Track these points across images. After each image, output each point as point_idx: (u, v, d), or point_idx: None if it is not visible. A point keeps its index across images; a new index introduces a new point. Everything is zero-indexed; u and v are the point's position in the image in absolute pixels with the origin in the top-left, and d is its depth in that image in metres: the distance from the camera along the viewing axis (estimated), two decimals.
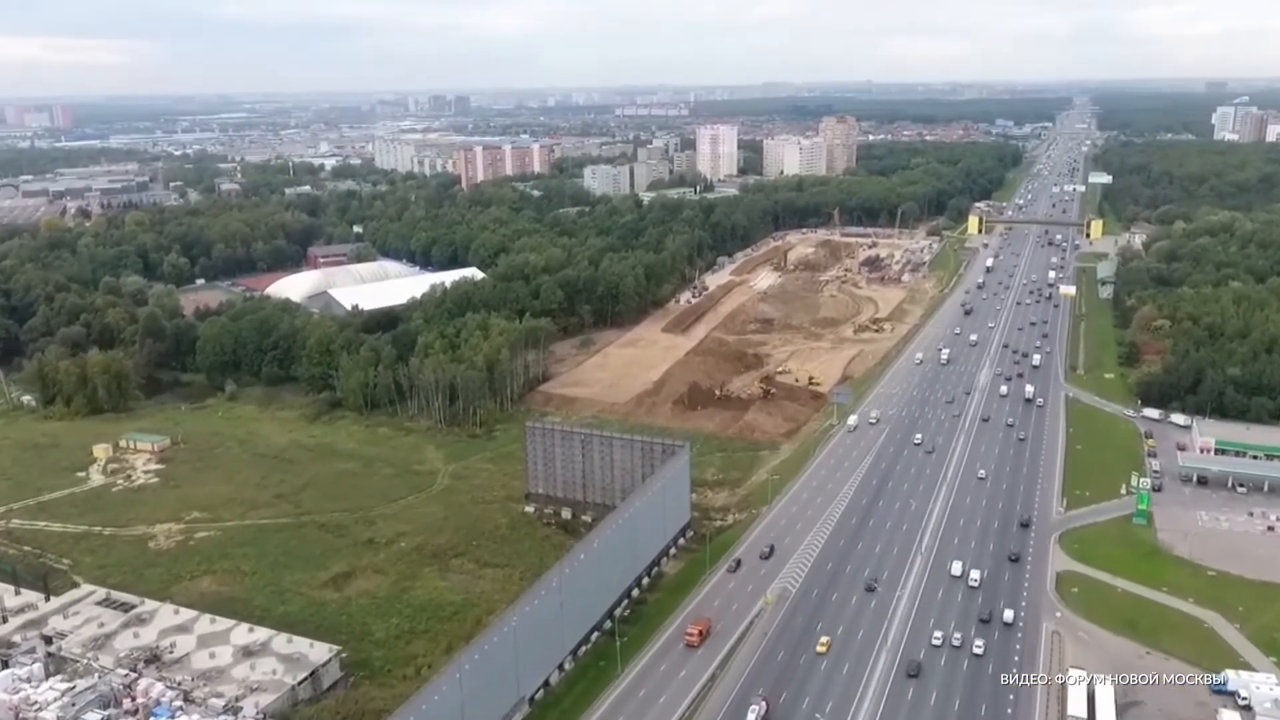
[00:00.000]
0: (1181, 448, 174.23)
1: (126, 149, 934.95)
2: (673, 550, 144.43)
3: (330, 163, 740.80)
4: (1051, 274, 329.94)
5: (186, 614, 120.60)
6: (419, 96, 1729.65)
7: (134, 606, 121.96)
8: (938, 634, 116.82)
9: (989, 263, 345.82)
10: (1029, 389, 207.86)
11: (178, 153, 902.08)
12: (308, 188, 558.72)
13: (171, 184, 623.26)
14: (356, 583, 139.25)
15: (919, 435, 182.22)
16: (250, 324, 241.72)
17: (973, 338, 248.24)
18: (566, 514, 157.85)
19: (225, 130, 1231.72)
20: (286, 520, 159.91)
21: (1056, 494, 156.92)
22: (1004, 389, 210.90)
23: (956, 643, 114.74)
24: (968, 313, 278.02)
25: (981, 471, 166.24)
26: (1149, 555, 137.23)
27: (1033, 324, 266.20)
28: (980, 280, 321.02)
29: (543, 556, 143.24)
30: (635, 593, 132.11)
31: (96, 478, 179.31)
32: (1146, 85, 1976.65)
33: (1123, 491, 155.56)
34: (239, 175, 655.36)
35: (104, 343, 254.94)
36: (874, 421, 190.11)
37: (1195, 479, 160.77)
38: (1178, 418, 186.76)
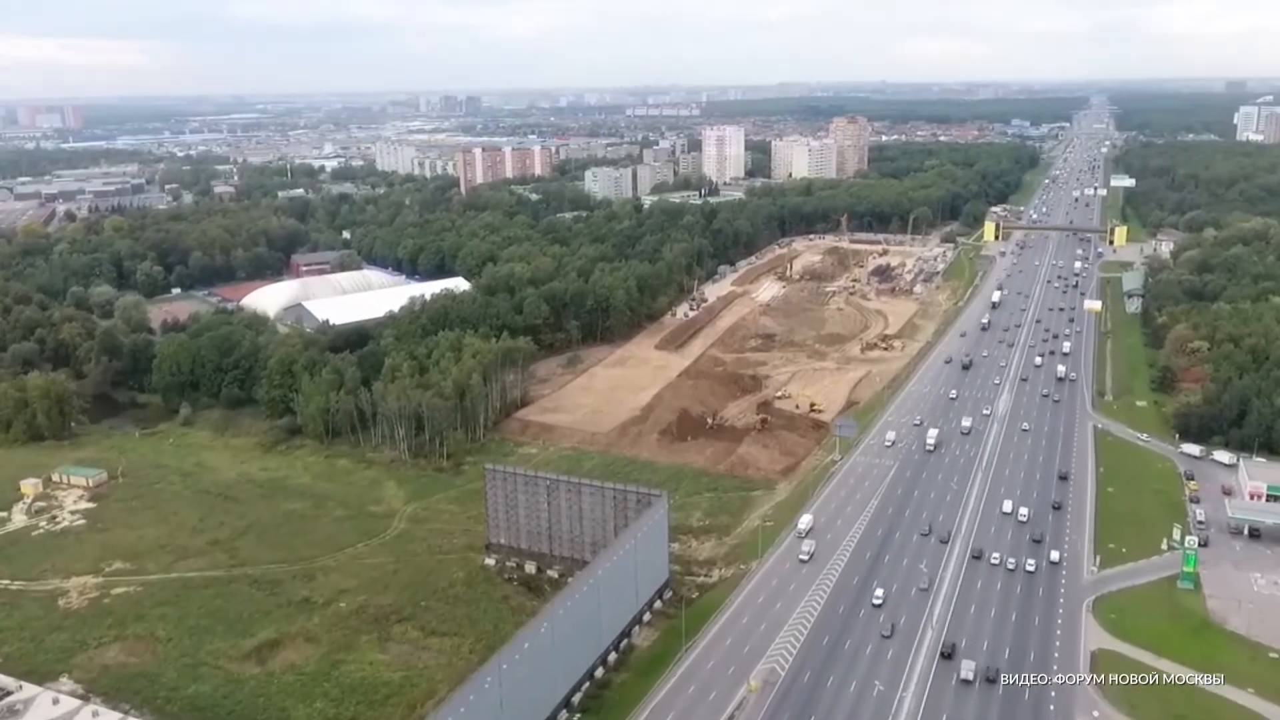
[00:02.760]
0: (1227, 491, 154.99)
1: (131, 150, 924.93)
2: (647, 616, 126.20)
3: (331, 164, 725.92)
4: (1078, 264, 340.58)
5: (68, 704, 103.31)
6: (431, 97, 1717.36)
7: (9, 693, 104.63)
8: None
9: (995, 296, 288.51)
10: (1060, 367, 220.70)
11: (181, 154, 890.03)
12: (302, 190, 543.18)
13: (167, 186, 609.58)
14: (283, 654, 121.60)
15: (879, 591, 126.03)
16: (210, 341, 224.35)
17: (965, 422, 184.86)
18: (530, 568, 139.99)
19: (233, 131, 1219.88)
20: (217, 573, 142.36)
21: (1087, 550, 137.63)
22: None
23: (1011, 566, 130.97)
24: (965, 368, 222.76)
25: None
26: (1198, 630, 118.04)
27: (1066, 311, 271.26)
28: (985, 319, 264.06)
29: (498, 623, 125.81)
30: (599, 672, 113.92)
31: (19, 519, 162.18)
32: (1164, 85, 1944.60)
33: (1164, 547, 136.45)
34: (235, 177, 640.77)
35: (58, 360, 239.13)
36: (806, 558, 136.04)
37: (1246, 531, 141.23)
38: (1221, 455, 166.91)
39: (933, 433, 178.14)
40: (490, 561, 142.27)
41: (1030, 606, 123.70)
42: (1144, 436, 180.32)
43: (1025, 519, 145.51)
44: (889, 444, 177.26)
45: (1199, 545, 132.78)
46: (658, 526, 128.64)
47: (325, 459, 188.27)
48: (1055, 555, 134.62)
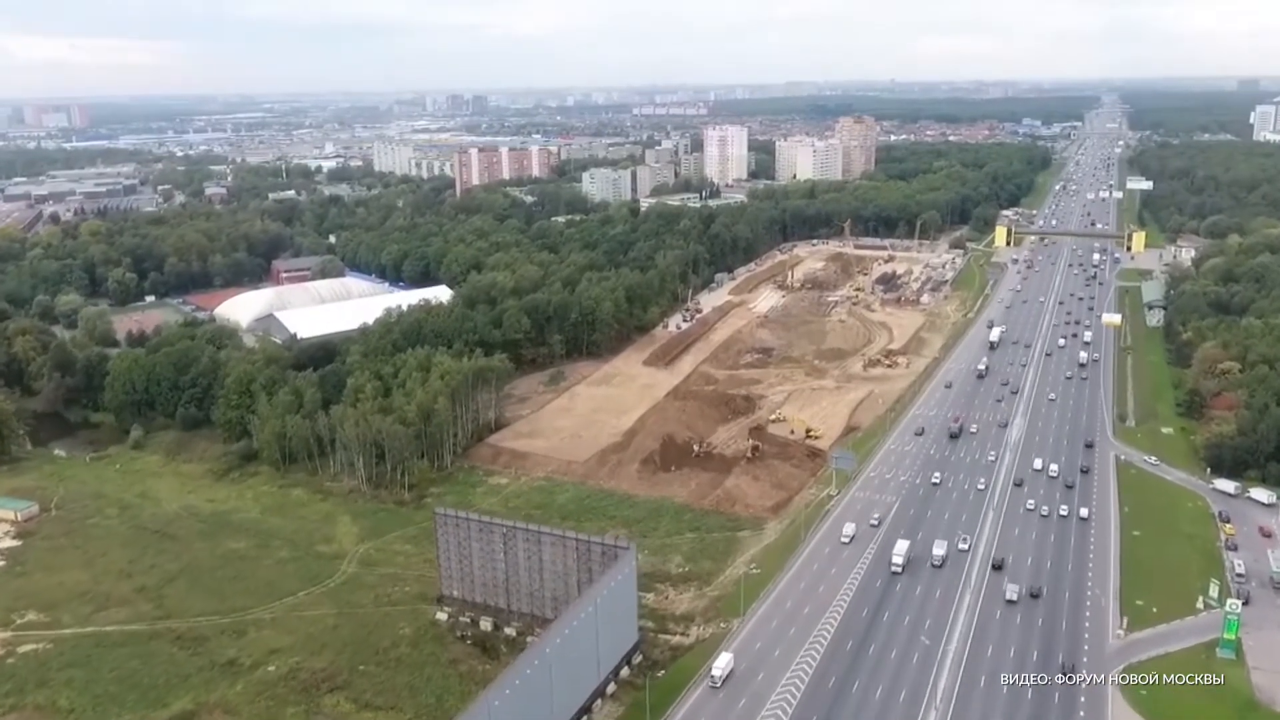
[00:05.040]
0: (1267, 534, 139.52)
1: (131, 150, 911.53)
2: (611, 687, 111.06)
3: (329, 165, 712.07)
4: (1096, 255, 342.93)
5: None
6: (438, 96, 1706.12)
7: None
8: None
9: (993, 335, 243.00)
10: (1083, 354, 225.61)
11: (181, 154, 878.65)
12: (292, 192, 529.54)
13: (160, 187, 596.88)
14: None
15: None
16: (165, 357, 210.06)
17: (938, 551, 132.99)
18: (486, 624, 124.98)
19: (237, 130, 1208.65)
20: (139, 627, 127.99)
21: (1112, 606, 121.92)
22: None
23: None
24: (954, 437, 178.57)
25: None
26: (1243, 713, 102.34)
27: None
28: (982, 364, 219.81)
29: (443, 695, 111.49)
30: None
31: None
32: (1175, 83, 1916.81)
33: (1199, 605, 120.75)
34: (228, 178, 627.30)
35: (10, 376, 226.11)
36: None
37: None
38: (1260, 493, 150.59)
39: (901, 547, 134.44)
40: (442, 616, 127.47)
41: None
42: (1152, 459, 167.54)
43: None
44: (845, 540, 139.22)
45: (1241, 604, 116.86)
46: (625, 584, 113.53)
47: (279, 489, 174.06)
48: None
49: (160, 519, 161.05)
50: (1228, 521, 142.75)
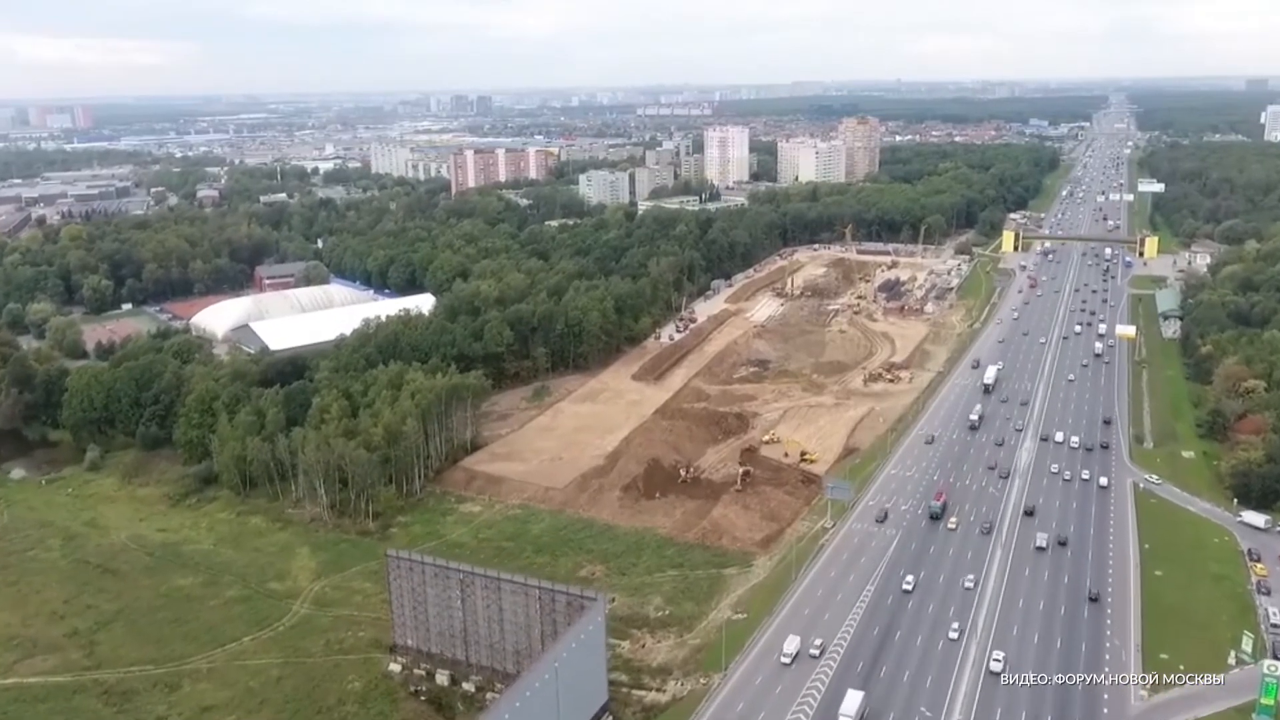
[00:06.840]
0: None
1: (130, 151, 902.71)
2: None
3: (326, 166, 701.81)
4: (1108, 250, 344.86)
5: None
6: (441, 96, 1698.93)
7: None
8: None
9: (989, 375, 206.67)
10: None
11: (180, 155, 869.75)
12: (284, 195, 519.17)
13: (153, 190, 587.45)
14: None
15: None
16: (127, 372, 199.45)
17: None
18: (443, 678, 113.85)
19: (239, 131, 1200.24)
20: (64, 679, 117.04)
21: (1134, 662, 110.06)
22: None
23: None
24: (934, 518, 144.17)
25: None
26: None
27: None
28: (975, 413, 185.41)
29: None
30: None
31: None
32: (1183, 83, 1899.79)
33: (1230, 660, 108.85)
34: (222, 180, 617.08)
35: None
36: None
37: None
38: None
39: (854, 700, 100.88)
40: (395, 668, 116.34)
41: None
42: (1155, 478, 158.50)
43: None
44: (786, 661, 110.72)
45: (1276, 657, 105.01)
46: (593, 639, 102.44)
47: (238, 516, 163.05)
48: None
49: (105, 551, 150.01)
50: (1258, 560, 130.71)
